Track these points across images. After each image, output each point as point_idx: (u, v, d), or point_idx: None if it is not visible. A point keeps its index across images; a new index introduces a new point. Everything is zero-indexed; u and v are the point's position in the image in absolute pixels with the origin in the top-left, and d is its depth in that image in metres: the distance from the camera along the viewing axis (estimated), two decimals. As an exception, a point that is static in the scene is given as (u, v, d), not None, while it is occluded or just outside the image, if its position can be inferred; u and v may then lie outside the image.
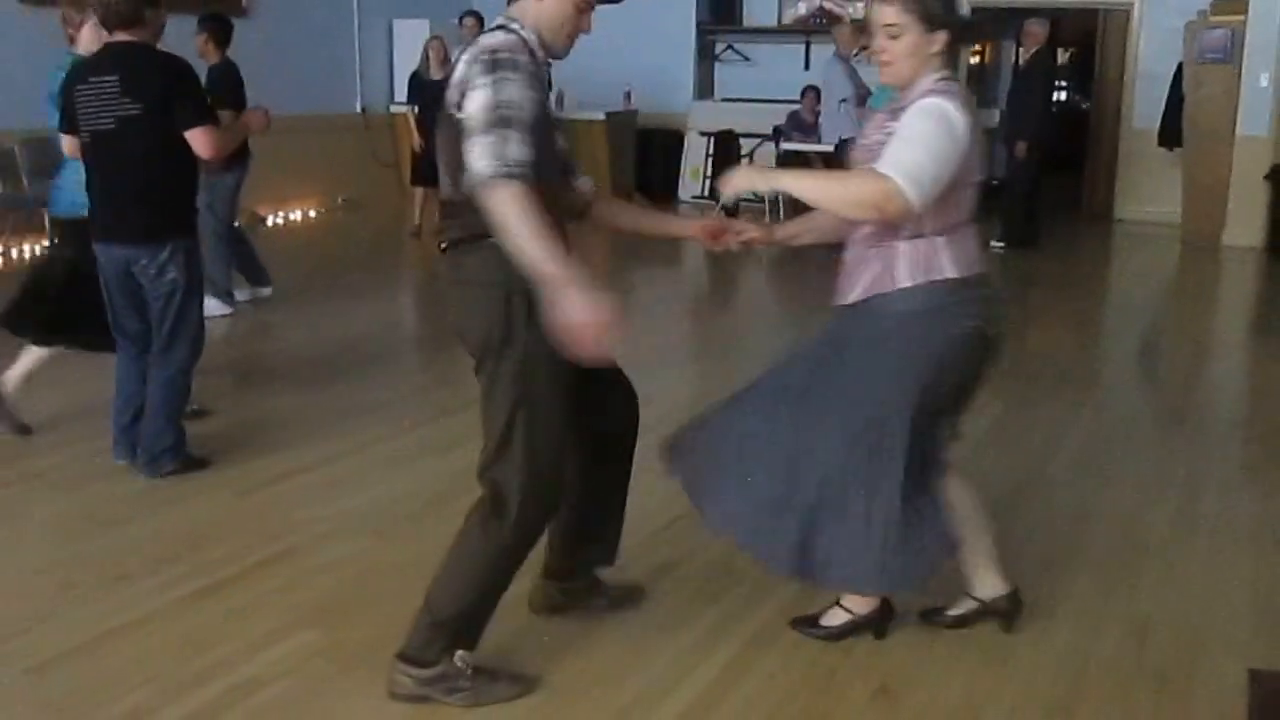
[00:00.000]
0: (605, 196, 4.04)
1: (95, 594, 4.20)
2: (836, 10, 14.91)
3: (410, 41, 13.75)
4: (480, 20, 12.64)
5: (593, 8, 3.48)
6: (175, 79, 5.02)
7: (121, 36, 5.00)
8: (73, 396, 6.30)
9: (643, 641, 3.91)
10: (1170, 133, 13.31)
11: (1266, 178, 12.28)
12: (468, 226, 3.32)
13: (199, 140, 5.00)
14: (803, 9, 15.32)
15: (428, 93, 12.31)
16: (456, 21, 12.81)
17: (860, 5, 14.85)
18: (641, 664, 3.77)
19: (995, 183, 14.82)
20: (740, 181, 3.63)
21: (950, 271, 3.47)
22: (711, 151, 14.84)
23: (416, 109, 12.43)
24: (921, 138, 3.33)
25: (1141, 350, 8.68)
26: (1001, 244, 12.11)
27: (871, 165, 3.38)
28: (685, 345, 8.85)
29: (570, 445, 3.57)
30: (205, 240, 8.32)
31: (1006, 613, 3.96)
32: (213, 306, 8.35)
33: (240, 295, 8.70)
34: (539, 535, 3.58)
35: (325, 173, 13.41)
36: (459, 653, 3.49)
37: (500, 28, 3.38)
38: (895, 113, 3.47)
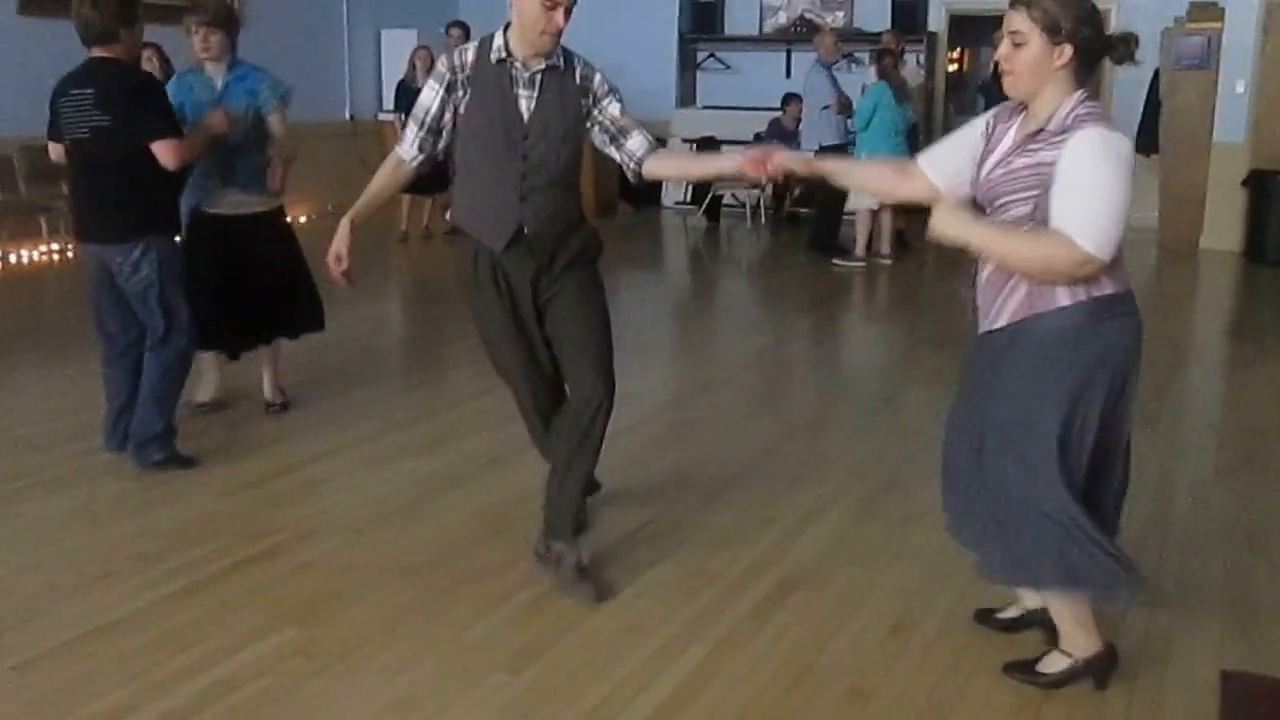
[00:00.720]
0: (655, 152, 4.28)
1: (80, 592, 4.20)
2: (816, 19, 14.94)
3: (398, 51, 13.76)
4: (465, 30, 12.66)
5: (559, 6, 3.88)
6: (140, 94, 5.20)
7: (99, 53, 5.14)
8: (62, 398, 6.32)
9: (616, 640, 3.92)
10: (1147, 139, 13.31)
11: (1243, 183, 12.33)
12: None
13: (162, 152, 5.15)
14: (783, 17, 15.35)
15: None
16: (443, 31, 12.84)
17: (840, 14, 14.91)
18: (615, 662, 3.78)
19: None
20: (941, 227, 3.39)
21: (1109, 287, 3.31)
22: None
23: (404, 116, 12.44)
24: (1102, 189, 3.16)
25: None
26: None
27: (1058, 225, 3.20)
28: (668, 347, 8.86)
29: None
30: None
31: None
32: None
33: None
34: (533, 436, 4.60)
35: (315, 179, 13.37)
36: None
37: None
38: (1037, 136, 3.28)
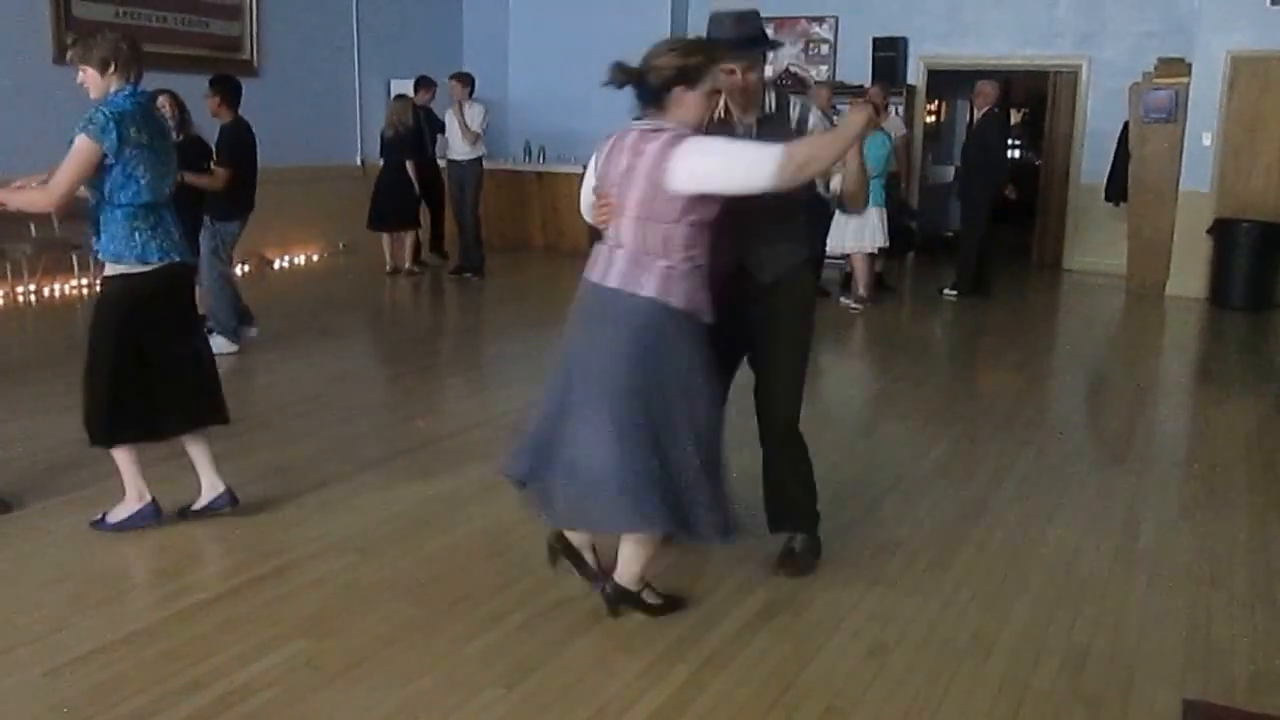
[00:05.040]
0: None
1: (105, 604, 4.27)
2: (802, 72, 15.06)
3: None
4: (469, 81, 12.75)
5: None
6: None
7: None
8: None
9: (604, 659, 3.97)
10: (1117, 188, 13.43)
11: (1208, 231, 12.40)
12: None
13: None
14: (770, 71, 15.45)
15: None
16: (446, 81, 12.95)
17: (824, 68, 15.03)
18: (604, 679, 3.83)
19: (950, 234, 14.95)
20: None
21: None
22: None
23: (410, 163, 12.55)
24: None
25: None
26: (955, 291, 12.18)
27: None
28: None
29: None
30: (209, 285, 8.39)
31: None
32: (219, 344, 8.42)
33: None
34: None
35: (327, 220, 13.53)
36: None
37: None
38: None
